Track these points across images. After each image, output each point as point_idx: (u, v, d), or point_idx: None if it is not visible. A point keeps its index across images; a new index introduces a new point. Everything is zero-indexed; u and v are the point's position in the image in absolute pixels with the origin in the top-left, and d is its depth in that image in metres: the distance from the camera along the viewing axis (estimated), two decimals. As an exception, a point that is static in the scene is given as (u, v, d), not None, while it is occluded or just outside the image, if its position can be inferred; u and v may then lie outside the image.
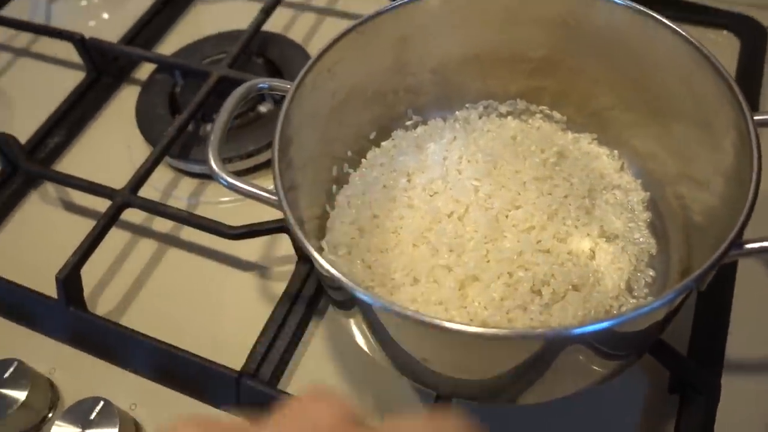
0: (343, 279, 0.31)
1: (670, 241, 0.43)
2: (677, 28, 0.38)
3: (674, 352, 0.42)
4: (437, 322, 0.30)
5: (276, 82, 0.41)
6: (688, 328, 0.45)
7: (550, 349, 0.33)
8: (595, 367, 0.37)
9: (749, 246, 0.33)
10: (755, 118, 0.35)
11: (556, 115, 0.49)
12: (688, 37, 0.38)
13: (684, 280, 0.31)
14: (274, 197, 0.35)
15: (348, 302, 0.37)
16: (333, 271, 0.31)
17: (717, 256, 0.30)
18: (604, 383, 0.38)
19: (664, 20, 0.38)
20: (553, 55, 0.46)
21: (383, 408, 0.44)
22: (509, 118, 0.49)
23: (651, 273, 0.42)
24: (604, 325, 0.29)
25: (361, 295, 0.31)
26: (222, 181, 0.37)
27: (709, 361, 0.44)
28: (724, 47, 0.61)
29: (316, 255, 0.32)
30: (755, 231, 0.46)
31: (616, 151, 0.47)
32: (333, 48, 0.40)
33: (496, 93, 0.50)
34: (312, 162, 0.42)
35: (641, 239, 0.43)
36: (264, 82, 0.41)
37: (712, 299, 0.46)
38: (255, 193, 0.37)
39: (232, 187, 0.37)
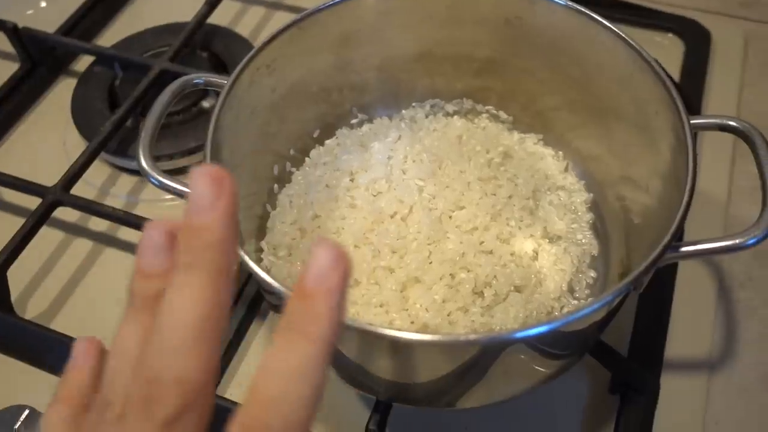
0: (273, 283, 0.30)
1: (610, 242, 0.43)
2: (618, 31, 0.38)
3: (614, 353, 0.42)
4: (373, 329, 0.29)
5: (212, 78, 0.39)
6: (629, 329, 0.45)
7: (489, 352, 0.33)
8: (536, 369, 0.37)
9: (685, 249, 0.33)
10: (693, 121, 0.35)
11: (503, 114, 0.49)
12: (629, 39, 0.38)
13: (621, 282, 0.31)
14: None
15: (279, 307, 0.36)
16: (262, 275, 0.30)
17: (652, 258, 0.30)
18: (546, 384, 0.38)
19: (605, 22, 0.38)
20: (497, 55, 0.46)
21: (326, 412, 0.43)
22: (455, 117, 0.49)
23: (592, 274, 0.42)
24: (542, 329, 0.29)
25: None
26: (152, 180, 0.35)
27: (649, 361, 0.44)
28: (669, 50, 0.62)
29: (247, 260, 0.30)
30: (695, 233, 0.47)
31: (561, 152, 0.47)
32: (271, 44, 0.39)
33: (443, 91, 0.49)
34: (251, 160, 0.41)
35: (584, 240, 0.43)
36: (200, 77, 0.39)
37: (652, 300, 0.46)
38: (186, 192, 0.35)
39: (163, 187, 0.36)
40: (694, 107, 0.55)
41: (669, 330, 0.46)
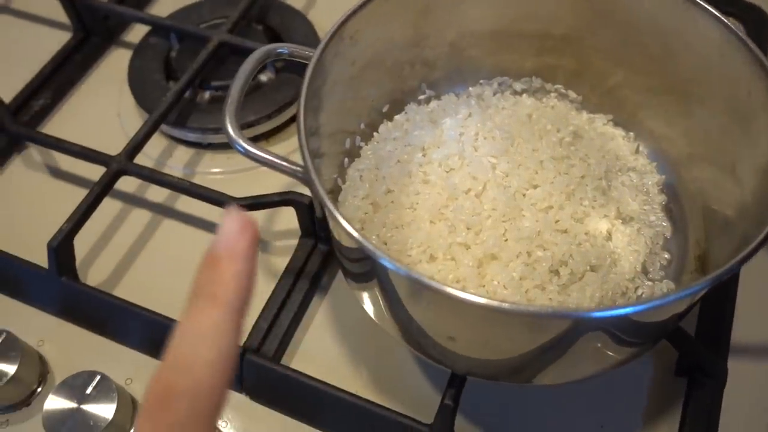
0: (371, 247, 0.30)
1: (686, 225, 0.42)
2: (708, 7, 0.37)
3: (685, 335, 0.42)
4: (465, 295, 0.29)
5: (296, 48, 0.39)
6: (695, 312, 0.45)
7: (570, 331, 0.32)
8: (613, 352, 0.37)
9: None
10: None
11: (572, 94, 0.48)
12: (721, 16, 0.37)
13: (712, 273, 0.30)
14: (296, 167, 0.33)
15: (366, 275, 0.36)
16: (365, 242, 0.30)
17: (747, 252, 0.30)
18: (618, 367, 0.38)
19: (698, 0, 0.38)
20: (573, 32, 0.45)
21: (388, 384, 0.44)
22: (524, 95, 0.48)
23: (666, 256, 0.42)
24: (629, 310, 0.29)
25: (389, 264, 0.30)
26: (239, 147, 0.35)
27: (716, 344, 0.44)
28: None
29: (350, 229, 0.30)
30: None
31: (631, 133, 0.46)
32: (357, 13, 0.38)
33: (511, 70, 0.48)
34: (329, 132, 0.41)
35: (656, 222, 0.43)
36: (284, 47, 0.39)
37: (719, 284, 0.46)
38: (276, 162, 0.35)
39: (249, 155, 0.35)
40: None
41: (736, 312, 0.45)
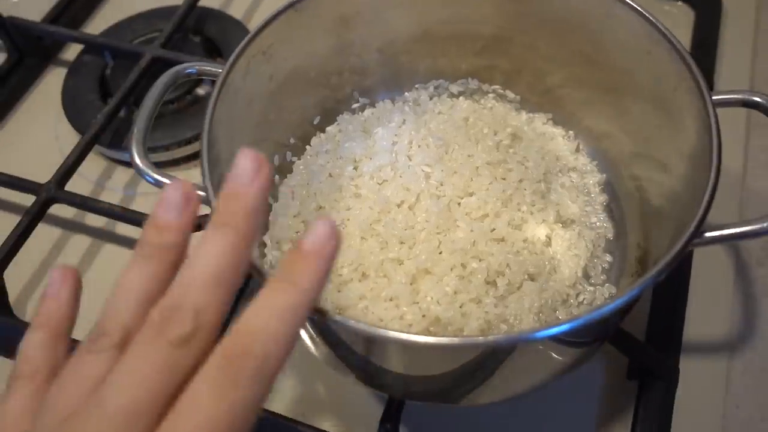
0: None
1: (626, 225, 0.41)
2: (634, 4, 0.36)
3: (632, 339, 0.41)
4: (383, 333, 0.28)
5: (206, 66, 0.37)
6: (646, 313, 0.44)
7: (504, 350, 0.31)
8: (554, 361, 0.36)
9: (710, 234, 0.31)
10: (714, 98, 0.33)
11: (510, 94, 0.47)
12: (646, 13, 0.36)
13: (646, 274, 0.29)
14: (204, 194, 0.32)
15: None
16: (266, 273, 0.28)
17: (679, 248, 0.29)
18: (563, 375, 0.37)
19: (621, -5, 0.36)
20: (503, 32, 0.44)
21: (338, 406, 0.42)
22: (461, 98, 0.47)
23: (608, 258, 0.41)
24: (563, 328, 0.28)
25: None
26: (146, 177, 0.34)
27: (667, 345, 0.43)
28: (679, 18, 0.60)
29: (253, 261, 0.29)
30: (712, 211, 0.45)
31: (571, 132, 0.45)
32: (267, 29, 0.37)
33: (447, 72, 0.47)
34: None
35: (598, 223, 0.42)
36: (192, 67, 0.37)
37: (669, 283, 0.45)
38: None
39: (159, 184, 0.34)
40: (706, 78, 0.53)
41: (687, 312, 0.44)
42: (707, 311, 0.45)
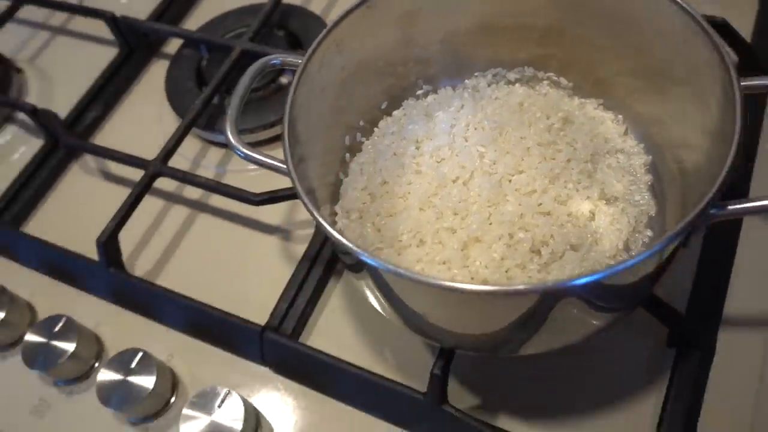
0: (347, 243, 0.34)
1: (668, 203, 0.44)
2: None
3: (669, 309, 0.44)
4: (436, 281, 0.32)
5: (288, 58, 0.43)
6: (689, 285, 0.47)
7: (544, 303, 0.35)
8: (589, 319, 0.39)
9: (733, 207, 0.34)
10: (746, 83, 0.36)
11: (563, 81, 0.50)
12: (683, 4, 0.38)
13: (664, 236, 0.32)
14: (285, 167, 0.38)
15: (357, 265, 0.40)
16: (337, 236, 0.34)
17: (694, 214, 0.32)
18: (600, 334, 0.40)
19: (660, -12, 0.39)
20: (558, 23, 0.47)
21: (396, 359, 0.48)
22: (517, 85, 0.51)
23: (649, 233, 0.44)
24: (588, 279, 0.31)
25: (366, 258, 0.34)
26: (238, 152, 0.40)
27: (706, 317, 0.45)
28: (742, 7, 0.61)
29: (322, 222, 0.35)
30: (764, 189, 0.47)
31: (620, 116, 0.48)
32: (340, 24, 0.42)
33: (505, 61, 0.51)
34: (324, 132, 0.45)
35: (641, 201, 0.45)
36: (277, 58, 0.43)
37: (713, 256, 0.47)
38: (269, 163, 0.40)
39: (248, 158, 0.40)
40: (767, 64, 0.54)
41: (731, 286, 0.46)
42: (751, 286, 0.47)
